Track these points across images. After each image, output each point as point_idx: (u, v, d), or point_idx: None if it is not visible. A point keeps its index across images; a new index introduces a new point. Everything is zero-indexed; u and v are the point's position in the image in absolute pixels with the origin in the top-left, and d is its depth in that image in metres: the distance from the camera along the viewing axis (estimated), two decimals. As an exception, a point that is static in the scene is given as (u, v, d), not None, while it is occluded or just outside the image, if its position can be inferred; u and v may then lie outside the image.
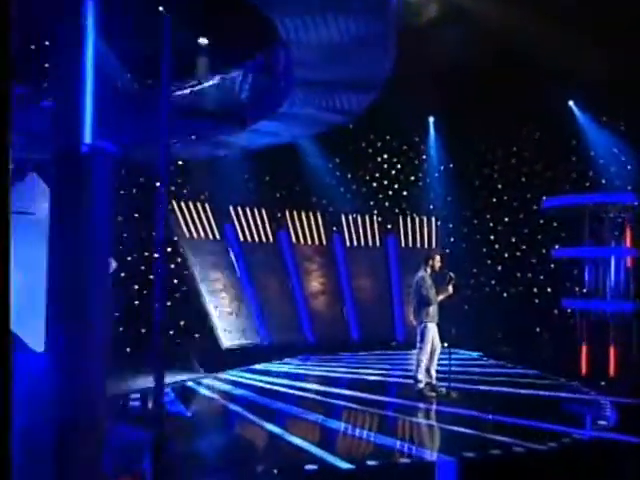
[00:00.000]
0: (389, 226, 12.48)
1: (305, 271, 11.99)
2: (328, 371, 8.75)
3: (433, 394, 6.53)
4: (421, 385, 6.61)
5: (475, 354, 10.36)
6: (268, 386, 7.47)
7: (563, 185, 10.74)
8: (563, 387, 7.40)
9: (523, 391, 6.99)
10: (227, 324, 11.57)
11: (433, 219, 12.58)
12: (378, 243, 12.36)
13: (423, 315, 6.37)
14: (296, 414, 5.98)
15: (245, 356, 9.93)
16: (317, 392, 6.98)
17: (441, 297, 6.45)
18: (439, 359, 6.70)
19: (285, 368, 9.15)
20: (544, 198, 9.64)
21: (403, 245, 12.46)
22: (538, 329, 11.12)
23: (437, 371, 6.71)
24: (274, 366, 9.35)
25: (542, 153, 11.53)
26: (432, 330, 6.42)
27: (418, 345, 6.40)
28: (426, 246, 12.32)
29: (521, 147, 11.90)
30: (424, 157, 12.69)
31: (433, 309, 6.37)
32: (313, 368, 9.12)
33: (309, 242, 12.09)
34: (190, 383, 7.71)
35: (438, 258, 6.45)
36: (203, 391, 7.28)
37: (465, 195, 12.23)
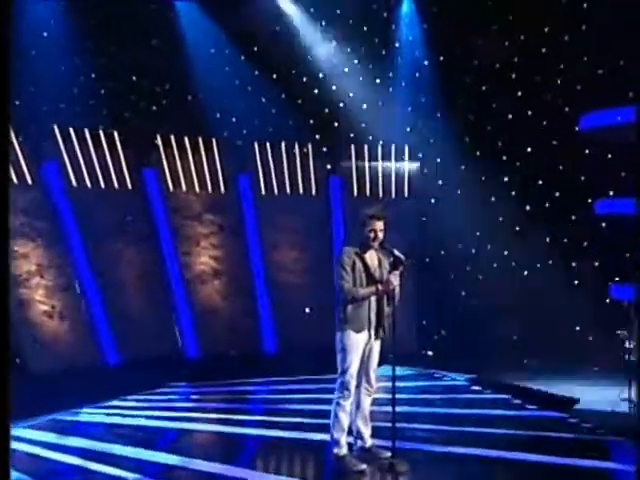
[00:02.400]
0: (335, 163, 12.21)
1: (188, 239, 11.45)
2: (206, 421, 7.78)
3: (362, 467, 5.55)
4: (341, 450, 5.62)
5: (462, 378, 9.82)
6: (68, 459, 6.20)
7: (623, 91, 9.88)
8: (611, 447, 6.49)
9: (536, 457, 5.92)
10: (44, 333, 10.32)
11: (407, 150, 12.04)
12: (314, 191, 12.00)
13: (340, 320, 5.62)
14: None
15: (74, 389, 9.07)
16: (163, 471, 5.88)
17: (366, 291, 5.56)
18: (376, 397, 5.89)
19: (135, 416, 8.00)
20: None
21: (356, 194, 12.05)
22: (578, 328, 10.77)
23: (373, 414, 5.86)
24: (120, 411, 8.28)
25: (592, 38, 10.66)
26: (354, 348, 5.59)
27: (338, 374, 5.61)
28: (395, 195, 12.10)
29: (557, 28, 11.04)
30: (396, 45, 12.11)
31: (355, 310, 5.59)
32: (184, 414, 8.07)
33: (196, 189, 11.55)
34: None
35: (378, 223, 5.59)
36: None
37: (463, 109, 11.68)
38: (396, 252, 5.53)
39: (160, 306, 11.25)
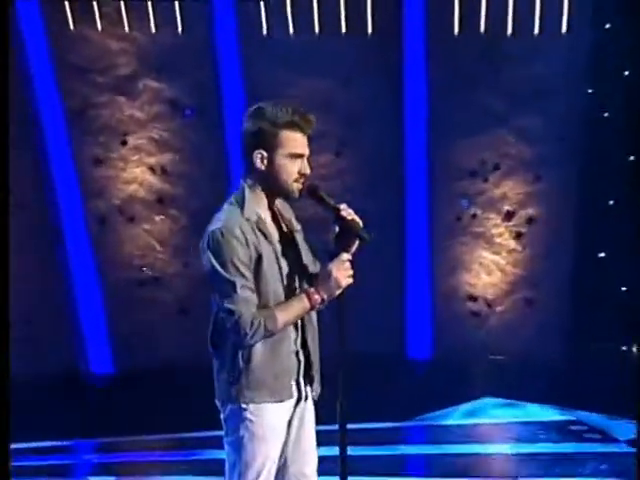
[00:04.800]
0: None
1: (106, 129, 9.57)
2: None
3: None
4: None
5: (625, 437, 7.75)
6: None
7: None
8: None
9: None
10: None
11: None
12: (371, 26, 10.26)
13: (233, 382, 3.71)
14: None
15: None
16: None
17: (292, 313, 3.96)
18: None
19: None
20: None
21: (458, 30, 10.28)
22: None
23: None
24: None
25: None
26: (270, 436, 3.92)
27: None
28: (540, 31, 9.66)
29: None
30: None
31: (269, 354, 3.81)
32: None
33: (125, 26, 9.94)
34: None
35: (302, 141, 3.55)
36: None
37: None
38: (345, 209, 3.45)
39: (40, 275, 9.05)
